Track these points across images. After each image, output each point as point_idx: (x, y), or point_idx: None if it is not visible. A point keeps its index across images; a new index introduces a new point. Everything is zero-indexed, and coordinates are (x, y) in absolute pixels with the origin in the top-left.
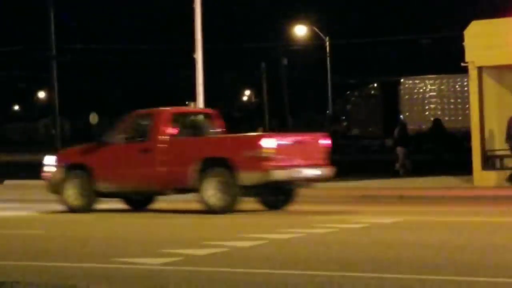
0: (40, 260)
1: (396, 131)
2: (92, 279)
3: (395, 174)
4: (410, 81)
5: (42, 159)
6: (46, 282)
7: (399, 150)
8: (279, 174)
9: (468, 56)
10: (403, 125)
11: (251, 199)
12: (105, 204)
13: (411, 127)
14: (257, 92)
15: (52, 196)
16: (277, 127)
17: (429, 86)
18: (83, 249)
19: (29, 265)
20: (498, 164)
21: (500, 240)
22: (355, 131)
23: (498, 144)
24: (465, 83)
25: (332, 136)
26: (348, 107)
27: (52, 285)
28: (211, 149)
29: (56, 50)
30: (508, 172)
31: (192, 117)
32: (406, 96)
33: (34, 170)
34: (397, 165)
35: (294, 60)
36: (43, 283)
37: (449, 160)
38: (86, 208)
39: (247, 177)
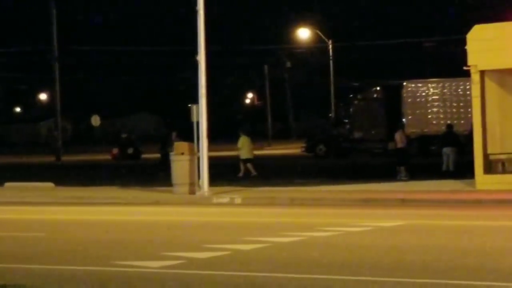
0: (41, 263)
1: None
2: (92, 282)
3: (448, 175)
4: (413, 85)
5: (44, 161)
6: (47, 285)
7: (449, 150)
8: None
9: (471, 60)
10: (451, 127)
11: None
12: (107, 206)
13: (413, 130)
14: (259, 95)
15: (52, 198)
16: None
17: (431, 89)
18: (84, 252)
19: (30, 268)
20: (500, 167)
21: (501, 244)
22: (357, 134)
23: (500, 148)
24: (468, 87)
25: (335, 139)
26: (351, 110)
27: None
28: None
29: (59, 52)
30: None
31: None
32: (409, 100)
33: (35, 172)
34: (444, 166)
35: (297, 63)
36: (43, 286)
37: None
38: None
39: None
